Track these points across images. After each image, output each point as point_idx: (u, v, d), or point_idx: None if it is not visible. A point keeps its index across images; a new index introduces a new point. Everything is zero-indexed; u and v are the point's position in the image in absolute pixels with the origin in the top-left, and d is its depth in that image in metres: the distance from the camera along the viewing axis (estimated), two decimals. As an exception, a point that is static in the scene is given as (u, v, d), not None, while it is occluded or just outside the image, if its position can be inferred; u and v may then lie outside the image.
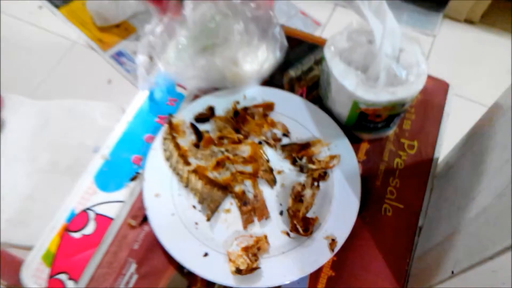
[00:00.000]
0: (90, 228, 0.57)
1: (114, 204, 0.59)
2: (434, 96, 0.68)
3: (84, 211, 0.58)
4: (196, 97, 0.69)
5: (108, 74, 1.41)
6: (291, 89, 0.70)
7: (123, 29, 1.48)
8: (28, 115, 0.87)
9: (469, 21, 1.59)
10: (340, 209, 0.56)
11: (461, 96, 1.37)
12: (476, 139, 0.53)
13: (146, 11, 1.51)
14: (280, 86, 0.70)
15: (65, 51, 1.44)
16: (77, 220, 0.57)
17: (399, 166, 0.62)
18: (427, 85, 0.63)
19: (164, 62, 0.70)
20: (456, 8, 1.57)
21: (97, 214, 0.58)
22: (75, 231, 0.57)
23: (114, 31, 1.48)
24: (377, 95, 0.54)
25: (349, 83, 0.56)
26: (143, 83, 0.68)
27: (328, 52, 0.59)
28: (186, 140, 0.63)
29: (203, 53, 0.67)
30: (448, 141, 0.65)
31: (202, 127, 0.65)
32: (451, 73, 1.39)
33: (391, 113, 0.58)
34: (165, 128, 0.63)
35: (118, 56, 1.45)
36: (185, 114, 0.65)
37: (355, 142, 0.63)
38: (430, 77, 0.68)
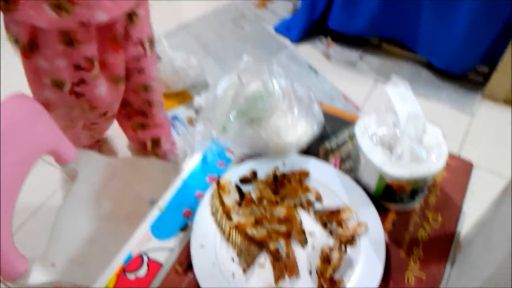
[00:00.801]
0: (143, 271, 0.66)
1: (164, 252, 0.67)
2: (458, 174, 0.74)
3: (140, 255, 0.67)
4: (242, 161, 0.78)
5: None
6: (326, 159, 0.79)
7: (181, 96, 1.66)
8: (98, 167, 1.01)
9: (508, 102, 1.63)
10: (364, 273, 0.62)
11: (497, 174, 1.38)
12: (489, 215, 0.58)
13: (204, 84, 1.69)
14: (316, 155, 0.79)
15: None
16: (133, 263, 0.66)
17: (423, 238, 0.67)
18: (452, 164, 0.69)
19: (218, 130, 0.81)
20: (495, 89, 1.62)
21: (150, 259, 0.67)
22: (130, 272, 0.66)
23: (173, 97, 1.66)
24: (401, 171, 0.61)
25: (376, 159, 0.63)
26: (199, 147, 0.79)
27: (358, 130, 0.68)
28: (231, 198, 0.72)
29: (251, 124, 0.78)
30: (471, 216, 0.70)
31: (245, 188, 0.74)
32: (488, 152, 1.42)
33: (415, 188, 0.64)
34: (213, 187, 0.73)
35: (173, 120, 1.61)
36: (231, 176, 0.75)
37: (383, 211, 0.69)
38: (455, 157, 0.74)
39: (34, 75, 0.98)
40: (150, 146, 1.31)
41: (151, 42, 1.10)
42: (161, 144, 1.33)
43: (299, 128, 0.77)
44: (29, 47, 0.91)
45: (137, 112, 1.23)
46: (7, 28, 0.91)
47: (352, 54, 1.82)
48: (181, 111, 1.62)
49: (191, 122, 1.59)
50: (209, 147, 0.82)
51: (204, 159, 0.81)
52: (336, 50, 1.83)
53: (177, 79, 1.60)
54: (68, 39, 0.90)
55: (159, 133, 1.31)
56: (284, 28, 1.88)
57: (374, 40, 1.82)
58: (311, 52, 1.82)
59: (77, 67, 0.95)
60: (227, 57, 1.80)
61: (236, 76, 0.87)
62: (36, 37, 0.90)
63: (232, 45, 1.85)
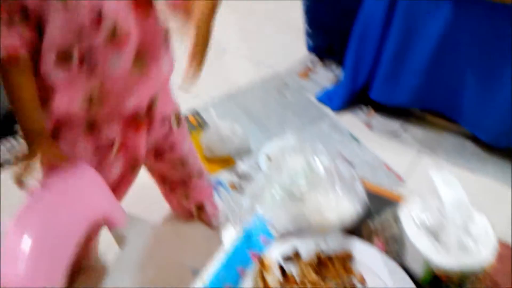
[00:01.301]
0: None
1: (206, 328, 0.68)
2: (509, 263, 0.71)
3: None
4: (284, 237, 0.80)
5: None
6: (370, 240, 0.78)
7: (225, 161, 1.71)
8: (144, 233, 1.05)
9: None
10: None
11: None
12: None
13: (247, 150, 1.74)
14: (359, 235, 0.79)
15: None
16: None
17: (474, 330, 0.64)
18: (503, 253, 0.67)
19: (261, 205, 0.84)
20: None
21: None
22: None
23: (217, 162, 1.72)
24: (448, 262, 0.60)
25: (422, 247, 0.63)
26: (244, 222, 0.82)
27: (403, 215, 0.68)
28: (273, 277, 0.72)
29: (294, 200, 0.80)
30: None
31: (287, 267, 0.74)
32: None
33: (463, 278, 0.62)
34: (256, 264, 0.74)
35: (216, 184, 1.66)
36: (274, 253, 0.75)
37: (429, 299, 0.67)
38: (505, 245, 0.72)
39: None
40: (195, 212, 1.34)
41: (178, 117, 1.09)
42: (205, 209, 1.36)
43: (341, 207, 0.78)
44: (52, 135, 0.90)
45: (178, 184, 1.24)
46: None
47: (394, 124, 1.83)
48: (224, 176, 1.66)
49: (234, 187, 1.63)
50: (253, 221, 0.84)
51: (248, 234, 0.83)
52: (378, 119, 1.85)
53: (222, 145, 1.67)
54: (93, 125, 0.90)
55: (202, 198, 1.35)
56: (326, 98, 1.93)
57: (417, 110, 1.83)
58: (353, 121, 1.85)
59: (97, 150, 0.94)
60: (270, 125, 1.86)
61: (280, 151, 0.90)
62: (60, 125, 0.90)
63: (275, 113, 1.92)
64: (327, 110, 1.90)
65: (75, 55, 0.79)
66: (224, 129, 1.67)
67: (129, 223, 1.09)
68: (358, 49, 1.73)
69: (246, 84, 2.08)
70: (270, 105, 1.96)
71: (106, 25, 0.78)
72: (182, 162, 1.16)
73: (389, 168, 1.63)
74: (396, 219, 0.80)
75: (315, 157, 0.79)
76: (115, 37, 0.80)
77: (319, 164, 0.78)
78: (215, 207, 1.42)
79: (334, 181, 0.78)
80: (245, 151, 1.73)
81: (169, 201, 1.32)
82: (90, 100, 0.84)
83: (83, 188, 0.86)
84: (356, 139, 1.76)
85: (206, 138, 1.72)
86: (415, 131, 1.80)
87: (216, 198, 1.59)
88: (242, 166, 1.67)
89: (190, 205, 1.31)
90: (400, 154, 1.71)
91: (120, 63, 0.84)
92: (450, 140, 1.74)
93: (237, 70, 2.22)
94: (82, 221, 0.90)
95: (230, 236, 0.85)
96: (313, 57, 2.17)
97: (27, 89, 0.81)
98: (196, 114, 1.96)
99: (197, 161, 1.24)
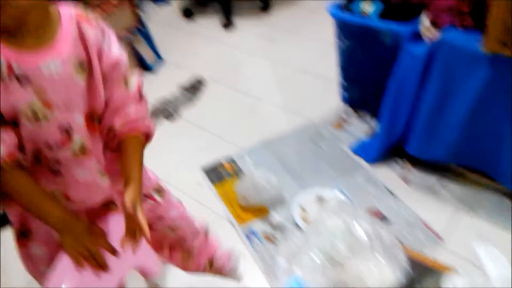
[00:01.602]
0: None
1: None
2: None
3: None
4: (322, 302, 0.79)
5: (240, 248, 1.61)
6: (411, 310, 0.77)
7: (259, 210, 1.73)
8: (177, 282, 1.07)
9: None
10: None
11: None
12: None
13: (281, 200, 1.73)
14: (400, 304, 0.77)
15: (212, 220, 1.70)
16: None
17: None
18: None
19: (298, 266, 0.84)
20: None
21: None
22: None
23: (251, 210, 1.73)
24: None
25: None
26: (279, 282, 0.82)
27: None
28: None
29: (334, 265, 0.80)
30: None
31: (325, 334, 0.73)
32: None
33: None
34: (294, 329, 0.74)
35: (250, 234, 1.66)
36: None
37: None
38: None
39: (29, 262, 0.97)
40: (208, 268, 1.31)
41: (159, 190, 1.10)
42: (216, 262, 1.33)
43: (383, 275, 0.77)
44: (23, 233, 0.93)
45: (176, 247, 1.22)
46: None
47: (431, 179, 1.80)
48: (258, 226, 1.67)
49: (267, 238, 1.63)
50: (290, 283, 0.84)
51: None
52: (414, 174, 1.82)
53: (257, 195, 1.69)
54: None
55: (210, 254, 1.31)
56: (360, 150, 1.94)
57: (455, 166, 1.80)
58: (388, 174, 1.83)
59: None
60: (304, 174, 1.87)
61: (318, 213, 0.91)
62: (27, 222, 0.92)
63: (309, 163, 1.93)
64: (362, 162, 1.89)
65: (42, 159, 0.83)
66: (259, 178, 1.69)
67: (163, 272, 1.10)
68: (394, 103, 1.75)
69: (281, 133, 2.12)
70: (304, 155, 1.98)
71: (74, 143, 0.84)
72: (173, 229, 1.15)
73: (426, 226, 1.59)
74: (439, 289, 0.79)
75: (354, 221, 0.79)
76: (82, 152, 0.85)
77: (359, 228, 0.79)
78: (226, 255, 1.40)
79: (375, 247, 0.78)
80: (279, 201, 1.74)
81: (176, 264, 1.25)
82: (54, 197, 0.87)
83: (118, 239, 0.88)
84: (392, 193, 1.74)
85: (241, 187, 1.75)
86: (453, 187, 1.76)
87: (251, 249, 1.59)
88: (276, 216, 1.67)
89: (199, 262, 1.28)
90: (437, 211, 1.67)
91: (86, 174, 0.88)
92: (489, 198, 1.69)
93: (271, 119, 2.27)
94: (120, 271, 0.92)
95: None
96: (348, 108, 2.19)
97: (31, 185, 0.83)
98: (232, 161, 2.00)
99: (190, 223, 1.22)
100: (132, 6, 2.51)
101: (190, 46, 2.99)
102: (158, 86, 2.58)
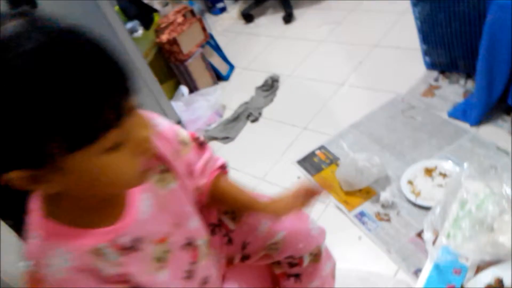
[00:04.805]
0: None
1: None
2: None
3: None
4: (480, 268, 0.78)
5: (356, 232, 1.61)
6: None
7: (365, 192, 1.72)
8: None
9: None
10: None
11: None
12: None
13: (386, 178, 1.67)
14: None
15: (320, 212, 1.73)
16: None
17: None
18: None
19: (445, 235, 0.83)
20: None
21: None
22: None
23: (357, 194, 1.72)
24: None
25: None
26: (430, 255, 0.82)
27: None
28: (481, 310, 0.71)
29: (484, 228, 0.78)
30: None
31: (494, 298, 0.72)
32: None
33: None
34: (458, 297, 0.73)
35: (361, 216, 1.66)
36: (476, 284, 0.74)
37: None
38: None
39: None
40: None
41: (316, 254, 0.97)
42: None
43: (543, 230, 0.74)
44: None
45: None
46: None
47: (545, 129, 1.67)
48: (367, 207, 1.66)
49: (379, 217, 1.61)
50: (441, 255, 0.84)
51: (437, 267, 0.82)
52: (524, 126, 1.71)
53: (361, 177, 1.68)
54: None
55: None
56: (460, 113, 1.85)
57: None
58: (496, 132, 1.73)
59: None
60: (404, 149, 1.83)
61: (454, 181, 0.90)
62: None
63: (406, 136, 1.88)
64: (464, 126, 1.80)
65: None
66: (360, 160, 1.68)
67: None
68: (489, 59, 1.64)
69: (369, 113, 2.09)
70: (399, 130, 1.93)
71: (200, 246, 0.81)
72: (270, 247, 0.97)
73: (553, 178, 1.49)
74: None
75: (502, 183, 0.77)
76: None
77: (508, 189, 0.76)
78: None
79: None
80: (383, 179, 1.72)
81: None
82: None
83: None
84: (506, 152, 1.64)
85: (342, 172, 1.75)
86: None
87: (365, 230, 1.59)
88: (385, 195, 1.65)
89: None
90: (560, 160, 1.54)
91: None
92: None
93: (355, 101, 2.23)
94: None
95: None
96: (435, 74, 2.10)
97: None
98: (325, 149, 2.00)
99: (295, 243, 0.98)
100: (199, 22, 2.62)
101: (257, 47, 3.05)
102: (236, 92, 2.66)
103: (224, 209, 0.93)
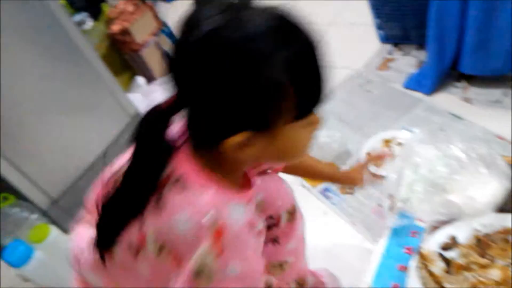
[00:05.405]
0: None
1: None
2: None
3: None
4: (435, 228, 0.80)
5: (321, 207, 1.63)
6: (527, 213, 0.76)
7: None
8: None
9: None
10: None
11: None
12: None
13: (347, 153, 1.71)
14: (513, 211, 0.77)
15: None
16: None
17: None
18: None
19: (401, 200, 0.85)
20: None
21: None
22: None
23: (321, 170, 1.74)
24: None
25: None
26: (388, 221, 0.84)
27: None
28: (437, 267, 0.73)
29: (437, 190, 0.80)
30: None
31: (448, 254, 0.75)
32: None
33: None
34: (416, 258, 0.75)
35: (325, 191, 1.68)
36: (431, 245, 0.76)
37: None
38: None
39: None
40: None
41: (291, 212, 1.00)
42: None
43: (490, 187, 0.77)
44: None
45: None
46: None
47: (494, 92, 1.73)
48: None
49: (343, 190, 1.64)
50: (398, 220, 0.86)
51: (395, 232, 0.84)
52: (475, 92, 1.76)
53: (321, 153, 1.70)
54: None
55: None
56: (414, 83, 1.89)
57: (515, 73, 1.73)
58: (449, 99, 1.78)
59: None
60: (363, 123, 1.86)
61: (407, 146, 0.91)
62: None
63: (364, 110, 1.91)
64: (419, 95, 1.85)
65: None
66: (321, 136, 1.70)
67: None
68: (439, 27, 1.68)
69: (328, 90, 2.10)
70: (357, 104, 1.96)
71: None
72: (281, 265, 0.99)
73: (502, 138, 1.55)
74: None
75: (450, 144, 0.79)
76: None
77: (456, 149, 0.79)
78: (319, 276, 1.14)
79: (475, 163, 0.78)
80: (346, 155, 1.75)
81: None
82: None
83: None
84: (459, 117, 1.69)
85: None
86: (520, 94, 1.69)
87: (329, 204, 1.62)
88: (346, 168, 1.68)
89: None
90: (509, 120, 1.61)
91: None
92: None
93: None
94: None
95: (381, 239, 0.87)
96: (389, 47, 2.14)
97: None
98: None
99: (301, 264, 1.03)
100: (151, 10, 2.54)
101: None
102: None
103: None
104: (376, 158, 1.00)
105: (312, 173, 1.12)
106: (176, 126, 0.65)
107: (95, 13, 2.51)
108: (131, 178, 0.62)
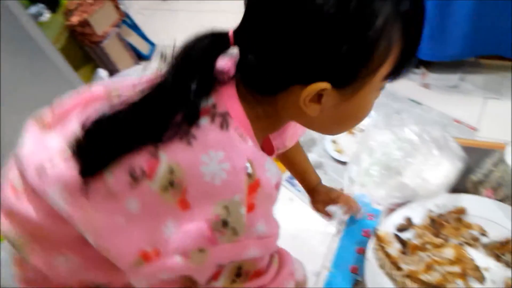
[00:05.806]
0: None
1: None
2: None
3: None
4: (391, 210, 0.82)
5: (287, 194, 1.65)
6: (477, 192, 0.79)
7: (295, 156, 1.75)
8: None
9: None
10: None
11: None
12: None
13: (312, 140, 1.71)
14: (465, 191, 0.80)
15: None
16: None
17: None
18: None
19: (359, 185, 0.87)
20: None
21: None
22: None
23: (287, 159, 1.76)
24: None
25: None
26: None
27: (509, 158, 0.69)
28: (393, 248, 0.76)
29: (392, 173, 0.83)
30: None
31: (404, 236, 0.77)
32: None
33: None
34: (373, 240, 0.77)
35: (291, 179, 1.70)
36: (387, 227, 0.79)
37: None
38: None
39: None
40: None
41: None
42: None
43: (442, 168, 0.79)
44: None
45: None
46: None
47: (452, 78, 1.79)
48: (298, 171, 1.71)
49: (309, 179, 1.66)
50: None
51: (353, 216, 0.86)
52: (433, 78, 1.82)
53: (288, 142, 1.71)
54: None
55: None
56: (375, 71, 1.93)
57: (470, 59, 1.79)
58: (408, 85, 1.83)
59: None
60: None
61: (363, 131, 0.93)
62: None
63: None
64: (380, 82, 1.89)
65: None
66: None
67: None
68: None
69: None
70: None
71: None
72: None
73: (459, 122, 1.61)
74: (497, 165, 0.81)
75: (404, 127, 0.81)
76: None
77: (409, 132, 0.81)
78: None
79: (429, 145, 0.80)
80: (310, 142, 1.77)
81: None
82: None
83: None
84: (417, 102, 1.74)
85: (270, 139, 1.77)
86: (475, 79, 1.75)
87: (295, 191, 1.64)
88: (311, 156, 1.70)
89: None
90: (466, 105, 1.67)
91: None
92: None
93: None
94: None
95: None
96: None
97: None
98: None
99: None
100: (112, 1, 2.47)
101: (177, 23, 2.96)
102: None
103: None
104: (347, 203, 0.90)
105: (297, 172, 1.02)
106: (221, 62, 0.54)
107: (53, 5, 2.41)
108: (163, 95, 0.52)
